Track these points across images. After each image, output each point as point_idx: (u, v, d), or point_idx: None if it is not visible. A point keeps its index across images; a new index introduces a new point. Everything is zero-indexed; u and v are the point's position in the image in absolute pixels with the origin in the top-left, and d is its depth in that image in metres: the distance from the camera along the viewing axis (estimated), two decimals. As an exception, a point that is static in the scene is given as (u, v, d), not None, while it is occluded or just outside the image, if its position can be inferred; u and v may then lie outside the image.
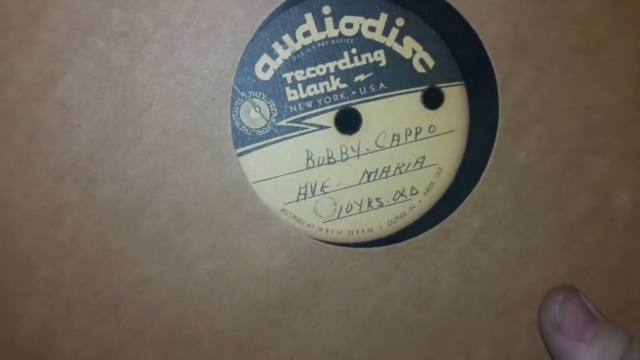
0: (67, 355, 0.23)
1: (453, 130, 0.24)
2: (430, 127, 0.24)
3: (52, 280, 0.22)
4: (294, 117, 0.23)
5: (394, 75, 0.23)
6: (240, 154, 0.23)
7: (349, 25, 0.23)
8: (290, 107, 0.23)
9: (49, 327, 0.23)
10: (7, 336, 0.22)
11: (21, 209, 0.22)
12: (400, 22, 0.23)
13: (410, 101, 0.23)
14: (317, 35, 0.23)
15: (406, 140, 0.24)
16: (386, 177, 0.24)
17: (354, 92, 0.23)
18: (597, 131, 0.24)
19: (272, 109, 0.23)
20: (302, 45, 0.23)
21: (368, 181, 0.24)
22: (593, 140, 0.24)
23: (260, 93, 0.23)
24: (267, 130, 0.23)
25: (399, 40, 0.23)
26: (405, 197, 0.24)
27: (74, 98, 0.22)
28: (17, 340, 0.22)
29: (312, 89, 0.23)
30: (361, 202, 0.24)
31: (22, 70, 0.21)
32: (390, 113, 0.23)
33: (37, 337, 0.23)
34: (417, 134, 0.24)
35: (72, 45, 0.21)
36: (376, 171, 0.24)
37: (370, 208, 0.24)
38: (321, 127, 0.23)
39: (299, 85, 0.23)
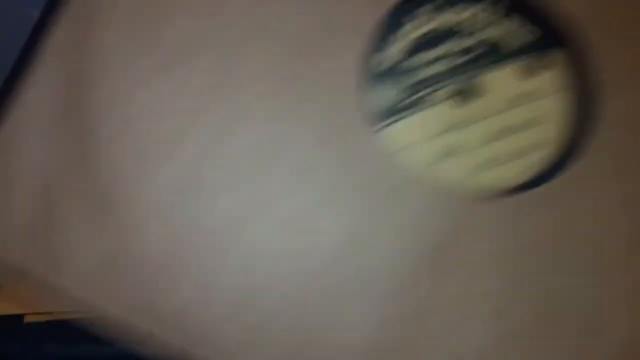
0: None
1: (560, 92, 0.27)
2: (538, 92, 0.27)
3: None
4: (420, 95, 0.27)
5: (508, 47, 0.27)
6: (378, 130, 0.26)
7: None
8: (416, 87, 0.27)
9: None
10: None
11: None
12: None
13: (522, 70, 0.27)
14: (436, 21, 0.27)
15: (520, 104, 0.27)
16: (506, 138, 0.27)
17: (472, 66, 0.27)
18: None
19: (399, 90, 0.27)
20: (424, 30, 0.27)
21: (491, 142, 0.27)
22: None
23: (386, 78, 0.27)
24: (402, 104, 0.27)
25: (509, 17, 0.27)
26: (525, 154, 0.27)
27: None
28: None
29: (434, 68, 0.27)
30: (487, 162, 0.27)
31: None
32: (505, 82, 0.27)
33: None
34: (529, 98, 0.27)
35: None
36: (498, 132, 0.27)
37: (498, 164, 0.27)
38: (445, 100, 0.27)
39: (423, 66, 0.27)
